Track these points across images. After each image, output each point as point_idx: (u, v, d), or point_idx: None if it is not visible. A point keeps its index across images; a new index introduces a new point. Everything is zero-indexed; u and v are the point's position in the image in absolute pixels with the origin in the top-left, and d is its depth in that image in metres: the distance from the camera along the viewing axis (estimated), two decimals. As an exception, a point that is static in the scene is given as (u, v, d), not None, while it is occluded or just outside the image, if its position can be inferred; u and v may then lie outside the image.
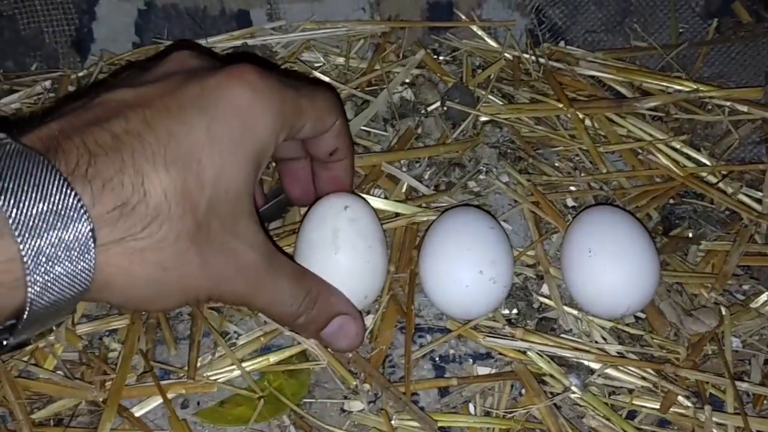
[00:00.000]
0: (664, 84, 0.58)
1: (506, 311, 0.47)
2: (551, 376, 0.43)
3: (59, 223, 0.28)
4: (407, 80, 0.60)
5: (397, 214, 0.50)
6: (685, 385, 0.43)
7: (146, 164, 0.31)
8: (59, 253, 0.28)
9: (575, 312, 0.46)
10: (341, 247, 0.42)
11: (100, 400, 0.41)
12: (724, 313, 0.46)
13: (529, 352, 0.44)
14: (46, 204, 0.28)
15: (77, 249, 0.29)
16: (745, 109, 0.56)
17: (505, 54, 0.60)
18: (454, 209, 0.47)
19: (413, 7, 0.62)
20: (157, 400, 0.41)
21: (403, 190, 0.52)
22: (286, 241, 0.48)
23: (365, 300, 0.44)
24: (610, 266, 0.44)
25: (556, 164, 0.55)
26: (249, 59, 0.38)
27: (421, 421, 0.41)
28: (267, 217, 0.50)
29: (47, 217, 0.28)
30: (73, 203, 0.28)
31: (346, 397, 0.42)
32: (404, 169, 0.54)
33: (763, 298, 0.47)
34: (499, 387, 0.43)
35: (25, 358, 0.43)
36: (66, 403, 0.41)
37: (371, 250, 0.43)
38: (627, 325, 0.46)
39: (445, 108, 0.57)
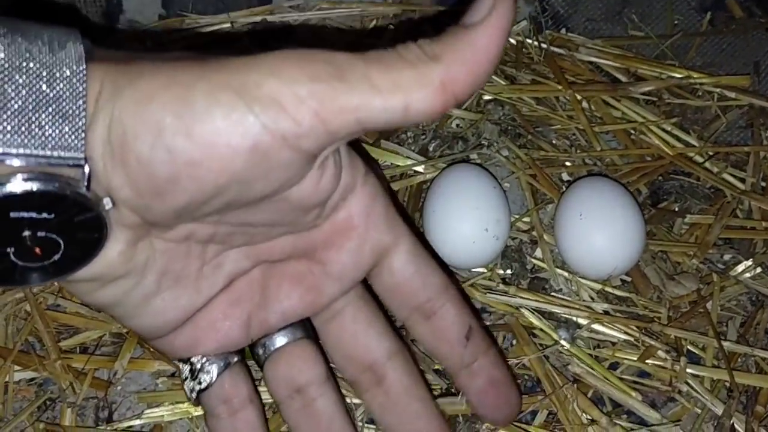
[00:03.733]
0: (658, 71, 0.61)
1: (501, 271, 0.50)
2: (541, 330, 0.47)
3: None
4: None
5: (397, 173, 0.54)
6: (665, 341, 0.47)
7: None
8: None
9: (566, 273, 0.50)
10: None
11: (124, 331, 0.44)
12: (715, 279, 0.49)
13: (521, 309, 0.47)
14: None
15: None
16: (733, 95, 0.60)
17: (509, 38, 0.63)
18: (456, 165, 0.50)
19: (424, -9, 0.65)
20: (176, 335, 0.45)
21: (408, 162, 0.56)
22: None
23: None
24: (598, 229, 0.47)
25: (554, 141, 0.58)
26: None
27: (421, 360, 0.44)
28: None
29: None
30: None
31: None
32: (410, 140, 0.57)
33: (741, 267, 0.50)
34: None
35: (54, 293, 0.46)
36: (91, 334, 0.45)
37: None
38: (614, 287, 0.49)
39: (451, 86, 0.60)
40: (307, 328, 0.38)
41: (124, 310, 0.33)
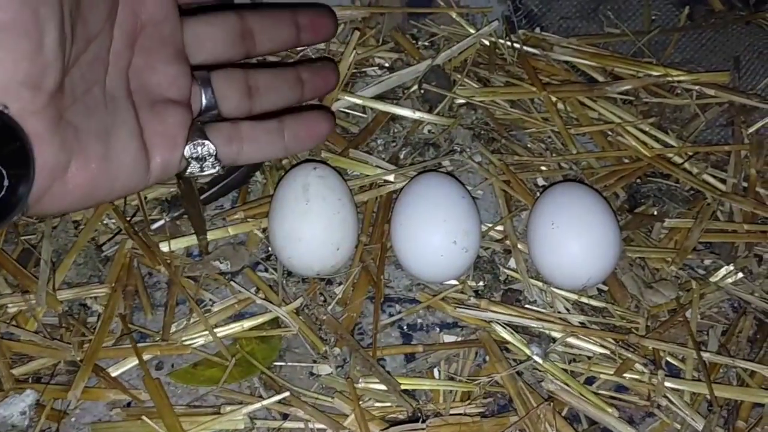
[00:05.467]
0: (635, 69, 0.59)
1: (473, 283, 0.48)
2: (514, 344, 0.45)
3: None
4: (386, 64, 0.61)
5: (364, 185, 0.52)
6: (642, 354, 0.45)
7: None
8: None
9: (540, 284, 0.48)
10: (311, 199, 0.45)
11: (78, 359, 0.43)
12: (695, 286, 0.48)
13: (493, 324, 0.45)
14: None
15: None
16: (712, 92, 0.58)
17: (481, 39, 0.61)
18: (424, 175, 0.49)
19: (393, -6, 0.63)
20: (133, 362, 0.43)
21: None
22: (263, 209, 0.50)
23: (338, 252, 0.46)
24: (572, 237, 0.45)
25: (529, 145, 0.56)
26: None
27: (386, 382, 0.42)
28: (233, 186, 0.52)
29: None
30: None
31: (315, 362, 0.44)
32: (381, 148, 0.56)
33: (722, 272, 0.49)
34: (463, 354, 0.45)
35: (7, 321, 0.45)
36: (45, 362, 0.43)
37: (340, 202, 0.45)
38: (590, 297, 0.48)
39: (422, 90, 0.59)
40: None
41: (100, 181, 0.34)
